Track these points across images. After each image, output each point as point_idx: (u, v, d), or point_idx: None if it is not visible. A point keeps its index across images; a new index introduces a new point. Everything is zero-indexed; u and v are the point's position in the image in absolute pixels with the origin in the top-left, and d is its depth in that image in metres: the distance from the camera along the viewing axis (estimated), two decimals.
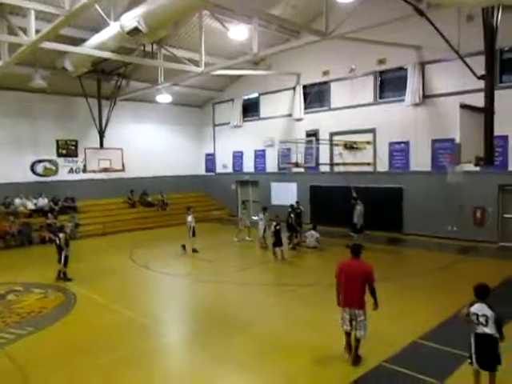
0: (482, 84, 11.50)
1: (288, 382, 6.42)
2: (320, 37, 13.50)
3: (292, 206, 17.30)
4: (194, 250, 15.88)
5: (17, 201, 20.13)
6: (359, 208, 15.80)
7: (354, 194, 16.32)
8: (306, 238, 16.47)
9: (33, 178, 21.37)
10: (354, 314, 6.79)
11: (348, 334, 6.98)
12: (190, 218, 16.06)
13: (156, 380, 6.67)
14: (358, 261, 6.95)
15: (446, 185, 15.72)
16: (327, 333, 8.00)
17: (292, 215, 16.45)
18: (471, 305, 5.64)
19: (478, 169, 12.86)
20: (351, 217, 15.91)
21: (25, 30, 12.20)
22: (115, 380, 6.63)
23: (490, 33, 11.00)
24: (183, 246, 16.12)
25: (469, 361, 5.75)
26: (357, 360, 6.78)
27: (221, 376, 6.73)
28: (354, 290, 6.74)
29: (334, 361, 6.97)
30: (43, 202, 20.78)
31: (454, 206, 16.72)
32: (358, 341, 6.83)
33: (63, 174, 22.37)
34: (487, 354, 5.55)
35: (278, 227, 14.73)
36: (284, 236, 15.25)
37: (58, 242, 12.55)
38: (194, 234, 16.04)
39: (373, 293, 6.78)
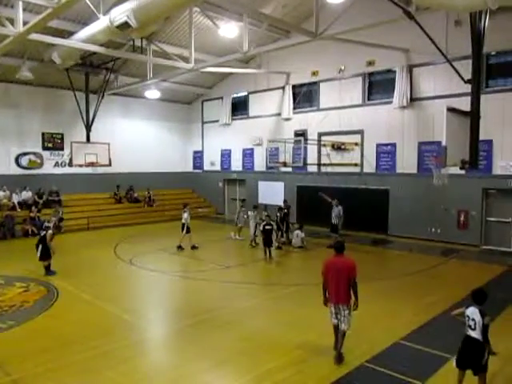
0: (468, 88, 11.64)
1: (270, 381, 6.42)
2: (310, 37, 13.54)
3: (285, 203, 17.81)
4: (180, 247, 15.82)
5: (0, 193, 19.86)
6: (337, 210, 16.10)
7: (327, 197, 16.56)
8: (292, 238, 16.55)
9: (17, 170, 21.09)
10: (339, 308, 6.90)
11: (336, 328, 7.05)
12: (185, 215, 15.89)
13: (138, 375, 6.63)
14: (343, 257, 7.05)
15: (431, 187, 15.74)
16: (312, 332, 8.06)
17: (278, 214, 16.61)
18: (467, 307, 5.76)
19: (462, 172, 13.00)
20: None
21: (12, 21, 12.03)
22: (97, 374, 6.57)
23: (477, 38, 11.15)
24: (193, 246, 16.00)
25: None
26: (339, 359, 6.83)
27: (202, 372, 6.72)
28: (341, 286, 6.83)
29: (317, 359, 7.00)
30: (27, 195, 20.55)
31: (439, 208, 16.90)
32: (342, 336, 6.90)
33: (48, 168, 22.11)
34: (469, 357, 5.62)
35: (267, 227, 14.76)
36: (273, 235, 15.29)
37: (42, 234, 12.43)
38: (188, 231, 15.84)
39: (354, 289, 6.84)
